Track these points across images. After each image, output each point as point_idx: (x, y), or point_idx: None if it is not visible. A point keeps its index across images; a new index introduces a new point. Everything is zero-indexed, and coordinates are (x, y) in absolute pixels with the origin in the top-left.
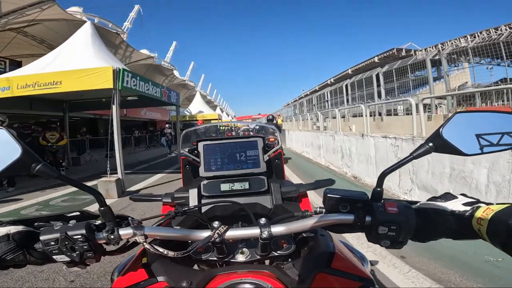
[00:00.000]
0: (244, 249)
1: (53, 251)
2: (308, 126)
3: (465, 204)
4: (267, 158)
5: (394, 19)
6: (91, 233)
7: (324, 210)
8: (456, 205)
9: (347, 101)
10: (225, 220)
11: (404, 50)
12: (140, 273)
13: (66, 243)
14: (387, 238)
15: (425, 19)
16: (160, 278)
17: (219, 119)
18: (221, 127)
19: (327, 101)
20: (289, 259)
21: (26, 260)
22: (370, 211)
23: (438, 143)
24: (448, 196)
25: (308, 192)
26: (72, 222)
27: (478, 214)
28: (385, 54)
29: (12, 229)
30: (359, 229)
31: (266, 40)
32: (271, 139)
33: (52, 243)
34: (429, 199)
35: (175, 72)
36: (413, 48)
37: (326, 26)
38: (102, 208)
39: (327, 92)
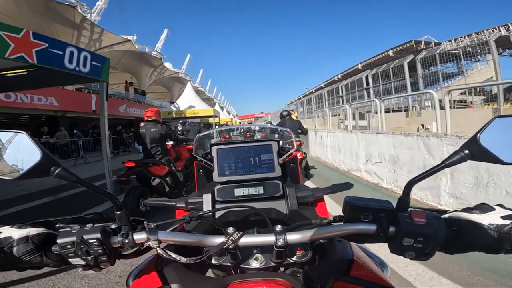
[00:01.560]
0: (259, 255)
1: (69, 254)
2: (327, 124)
3: (504, 218)
4: (282, 162)
5: (393, 18)
6: (106, 237)
7: (343, 218)
8: (493, 218)
9: (368, 95)
10: (240, 225)
11: (423, 42)
12: (153, 279)
13: (82, 246)
14: (413, 250)
15: (427, 17)
16: (173, 285)
17: (215, 116)
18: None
19: (341, 96)
20: (305, 266)
21: (43, 262)
22: (394, 221)
23: (474, 151)
24: (484, 208)
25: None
26: (89, 225)
27: None
28: (401, 47)
29: (32, 231)
30: (382, 240)
31: (268, 36)
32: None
33: (69, 246)
34: (463, 210)
35: (167, 64)
36: (432, 41)
37: (325, 25)
38: (118, 212)
39: (341, 86)
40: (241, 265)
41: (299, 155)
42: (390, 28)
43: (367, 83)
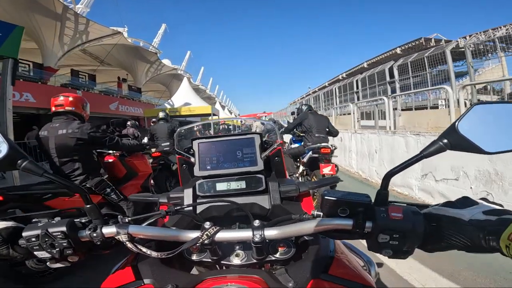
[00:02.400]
0: (240, 252)
1: (34, 247)
2: (352, 123)
3: (486, 213)
4: (266, 155)
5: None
6: (73, 231)
7: (322, 213)
8: (475, 213)
9: (392, 90)
10: (223, 221)
11: (433, 39)
12: (127, 274)
13: (46, 239)
14: (389, 248)
15: (433, 16)
16: (146, 280)
17: (214, 115)
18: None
19: (356, 92)
20: (289, 263)
21: (9, 254)
22: (371, 216)
23: (453, 140)
24: (466, 202)
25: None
26: (57, 219)
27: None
28: (409, 45)
29: (1, 224)
30: (359, 236)
31: (270, 35)
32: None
33: (33, 239)
34: (443, 204)
35: (165, 61)
36: (441, 38)
37: (329, 24)
38: (87, 206)
39: (357, 80)
40: (222, 261)
41: (329, 170)
42: (396, 28)
43: (391, 76)
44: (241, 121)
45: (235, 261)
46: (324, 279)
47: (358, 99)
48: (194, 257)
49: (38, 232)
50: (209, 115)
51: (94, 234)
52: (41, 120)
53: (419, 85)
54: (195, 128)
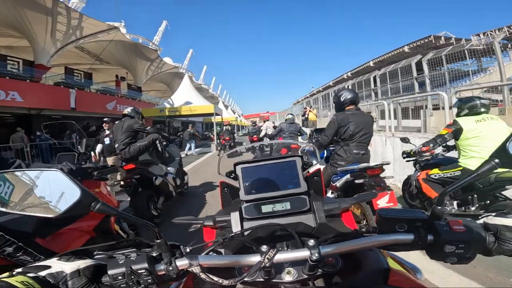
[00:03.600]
0: (291, 269)
1: (121, 285)
2: (386, 126)
3: None
4: (305, 174)
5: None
6: (152, 266)
7: (377, 229)
8: None
9: (420, 84)
10: (268, 241)
11: (443, 37)
12: None
13: (132, 277)
14: (454, 256)
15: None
16: None
17: (217, 114)
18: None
19: (373, 89)
20: (335, 276)
21: None
22: (431, 229)
23: (504, 159)
24: None
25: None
26: (133, 255)
27: None
28: (418, 43)
29: (81, 263)
30: (419, 247)
31: (274, 34)
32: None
33: (120, 277)
34: (497, 214)
35: (166, 59)
36: (451, 36)
37: (334, 22)
38: (158, 241)
39: (374, 76)
40: (273, 280)
41: (386, 201)
42: (396, 27)
43: (419, 70)
44: (252, 122)
45: (287, 278)
46: None
47: (376, 95)
48: (247, 278)
49: (123, 270)
50: (211, 114)
51: (170, 268)
52: (32, 120)
53: (454, 81)
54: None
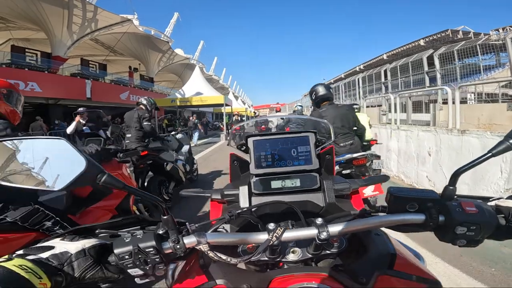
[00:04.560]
0: (296, 249)
1: (128, 265)
2: (392, 118)
3: None
4: (317, 152)
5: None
6: (160, 244)
7: (387, 208)
8: None
9: (431, 79)
10: (274, 218)
11: (460, 32)
12: (198, 276)
13: (140, 256)
14: (464, 238)
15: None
16: (219, 281)
17: (227, 105)
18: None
19: (384, 83)
20: (338, 258)
21: (104, 276)
22: (443, 210)
23: None
24: None
25: None
26: (139, 232)
27: None
28: (434, 37)
29: (86, 243)
30: (429, 228)
31: (285, 25)
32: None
33: (126, 256)
34: (510, 197)
35: (178, 50)
36: (469, 31)
37: (347, 14)
38: (165, 217)
39: (385, 70)
40: (278, 259)
41: (372, 191)
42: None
43: (430, 65)
44: (255, 112)
45: (291, 257)
46: (392, 275)
47: (386, 89)
48: (253, 257)
49: (130, 248)
50: (221, 105)
51: (178, 246)
52: (49, 110)
53: (466, 76)
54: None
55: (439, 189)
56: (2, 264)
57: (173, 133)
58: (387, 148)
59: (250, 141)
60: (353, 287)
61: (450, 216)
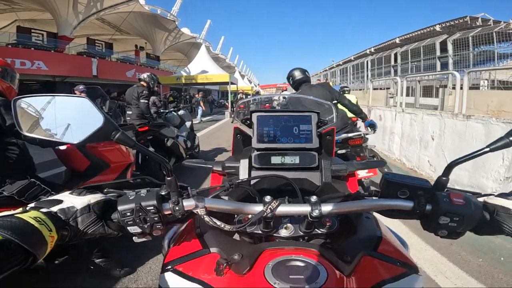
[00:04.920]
0: (289, 225)
1: (128, 222)
2: (397, 102)
3: None
4: (319, 132)
5: None
6: (160, 204)
7: (379, 193)
8: None
9: (443, 65)
10: (272, 193)
11: (480, 19)
12: (193, 243)
13: (140, 214)
14: (446, 229)
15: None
16: (213, 249)
17: (232, 83)
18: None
19: (394, 66)
20: (328, 238)
21: (105, 232)
22: (431, 199)
23: None
24: None
25: None
26: (143, 191)
27: None
28: (452, 23)
29: (92, 198)
30: (416, 216)
31: (294, 5)
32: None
33: (128, 214)
34: (499, 195)
35: (184, 30)
36: (489, 19)
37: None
38: (168, 178)
39: (395, 54)
40: (270, 233)
41: (366, 172)
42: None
43: (443, 51)
44: (257, 92)
45: (283, 233)
46: (375, 257)
47: (396, 72)
48: (247, 229)
49: (132, 206)
50: (227, 83)
51: (177, 208)
52: (56, 87)
53: (480, 64)
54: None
55: (439, 175)
56: (19, 215)
57: (174, 109)
58: (391, 130)
59: (254, 116)
60: (338, 264)
61: (437, 205)
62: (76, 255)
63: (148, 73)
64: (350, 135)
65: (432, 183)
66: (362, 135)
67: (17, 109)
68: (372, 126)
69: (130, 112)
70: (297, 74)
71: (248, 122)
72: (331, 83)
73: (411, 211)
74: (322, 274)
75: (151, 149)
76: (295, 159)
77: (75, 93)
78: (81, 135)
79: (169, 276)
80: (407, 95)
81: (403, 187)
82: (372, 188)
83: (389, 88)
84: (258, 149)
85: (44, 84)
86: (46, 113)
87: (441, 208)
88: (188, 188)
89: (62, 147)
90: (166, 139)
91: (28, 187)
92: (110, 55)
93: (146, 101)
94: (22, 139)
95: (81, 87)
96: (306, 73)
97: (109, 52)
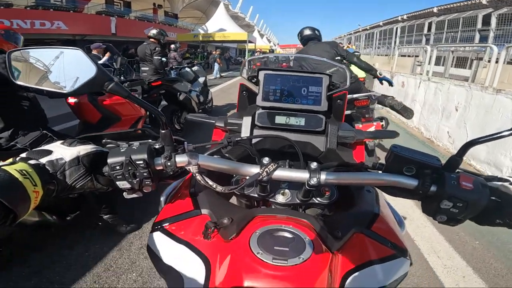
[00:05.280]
0: (286, 191)
1: (118, 176)
2: (424, 69)
3: None
4: (329, 96)
5: None
6: (151, 159)
7: (384, 167)
8: None
9: (482, 38)
10: (273, 155)
11: None
12: (186, 202)
13: (129, 168)
14: (446, 214)
15: None
16: (204, 211)
17: (250, 42)
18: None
19: (426, 35)
20: (326, 209)
21: (94, 186)
22: (438, 180)
23: None
24: None
25: None
26: (136, 143)
27: None
28: None
29: (82, 150)
30: (418, 197)
31: None
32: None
33: (117, 167)
34: None
35: None
36: None
37: None
38: (163, 131)
39: (430, 22)
40: (267, 198)
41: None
42: None
43: (484, 25)
44: (272, 50)
45: (280, 199)
46: (367, 235)
47: (427, 42)
48: (244, 191)
49: (122, 159)
50: (244, 41)
51: (169, 163)
52: (77, 44)
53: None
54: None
55: (457, 147)
56: (5, 167)
57: (188, 65)
58: (412, 98)
59: (261, 74)
60: (327, 239)
61: (442, 187)
62: (86, 211)
63: (156, 29)
64: (355, 96)
65: (446, 159)
66: (369, 96)
67: (12, 61)
68: (387, 81)
69: (146, 68)
70: (306, 31)
71: (255, 79)
72: (354, 47)
73: (414, 191)
74: (307, 249)
75: (163, 102)
76: (301, 121)
77: (91, 50)
78: (74, 85)
79: (158, 236)
80: (437, 64)
81: (411, 163)
82: (378, 160)
83: (417, 56)
84: (262, 107)
85: (64, 42)
86: (40, 64)
87: (446, 191)
88: (185, 142)
89: (75, 100)
90: (179, 93)
91: (41, 139)
92: (128, 14)
93: (159, 57)
94: (31, 92)
95: (95, 44)
96: (316, 31)
97: (128, 10)
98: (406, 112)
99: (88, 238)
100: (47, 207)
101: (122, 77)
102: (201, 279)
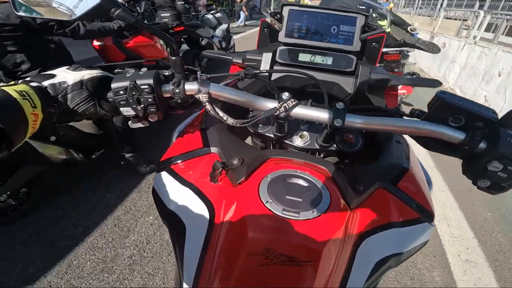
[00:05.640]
0: (305, 133)
1: (121, 102)
2: (473, 31)
3: None
4: (364, 37)
5: None
6: (158, 84)
7: (424, 114)
8: None
9: None
10: (294, 94)
11: None
12: (196, 139)
13: (134, 93)
14: (491, 178)
15: None
16: (213, 149)
17: None
18: None
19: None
20: (346, 159)
21: (97, 112)
22: (491, 136)
23: None
24: None
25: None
26: (144, 69)
27: None
28: None
29: (86, 74)
30: (461, 154)
31: None
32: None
33: (121, 92)
34: None
35: None
36: None
37: None
38: (173, 58)
39: None
40: (284, 140)
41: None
42: None
43: None
44: None
45: (297, 142)
46: (392, 192)
47: (481, 7)
48: (259, 129)
49: (126, 83)
50: None
51: (177, 90)
52: None
53: None
54: None
55: None
56: (4, 88)
57: (212, 12)
58: (452, 59)
59: (286, 9)
60: (346, 192)
61: (495, 145)
62: (109, 151)
63: None
64: (386, 49)
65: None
66: (401, 51)
67: None
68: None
69: (166, 14)
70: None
71: (279, 16)
72: (392, 5)
73: (458, 145)
74: (323, 202)
75: (185, 47)
76: (328, 60)
77: None
78: (78, 11)
79: (163, 177)
80: (487, 31)
81: (460, 112)
82: (415, 108)
83: (465, 20)
84: (285, 44)
85: None
86: None
87: (499, 149)
88: (198, 72)
89: (100, 43)
90: (201, 38)
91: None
92: None
93: (182, 2)
94: (56, 35)
95: None
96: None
97: None
98: (433, 47)
99: (110, 179)
100: (74, 145)
101: (146, 22)
102: (203, 230)
